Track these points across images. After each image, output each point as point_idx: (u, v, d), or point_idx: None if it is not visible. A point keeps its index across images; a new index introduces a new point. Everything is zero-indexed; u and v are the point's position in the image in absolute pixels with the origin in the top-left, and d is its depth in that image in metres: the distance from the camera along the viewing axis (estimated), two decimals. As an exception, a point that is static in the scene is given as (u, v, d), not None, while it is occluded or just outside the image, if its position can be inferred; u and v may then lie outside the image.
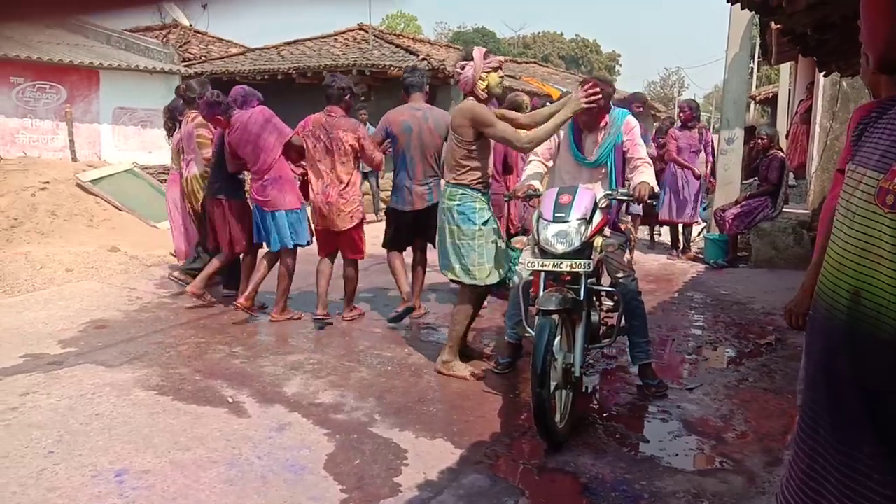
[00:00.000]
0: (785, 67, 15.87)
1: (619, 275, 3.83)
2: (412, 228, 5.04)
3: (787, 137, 12.52)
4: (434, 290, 6.02)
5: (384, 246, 5.20)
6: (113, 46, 13.64)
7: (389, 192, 5.29)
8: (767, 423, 3.60)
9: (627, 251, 4.08)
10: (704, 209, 8.59)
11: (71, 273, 6.61)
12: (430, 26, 72.38)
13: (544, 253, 3.46)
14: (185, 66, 14.26)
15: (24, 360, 4.29)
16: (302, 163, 5.24)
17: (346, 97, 4.96)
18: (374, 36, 14.92)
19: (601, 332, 3.86)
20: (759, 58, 21.57)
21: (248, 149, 5.04)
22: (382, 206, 9.83)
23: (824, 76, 7.05)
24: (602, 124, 3.87)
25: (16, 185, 8.59)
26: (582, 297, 3.36)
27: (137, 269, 6.97)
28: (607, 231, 3.79)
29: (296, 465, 3.05)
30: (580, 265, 3.36)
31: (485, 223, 3.96)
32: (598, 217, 3.53)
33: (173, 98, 6.39)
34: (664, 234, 8.99)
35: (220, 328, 5.06)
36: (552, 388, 3.13)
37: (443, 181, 4.22)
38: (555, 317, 3.16)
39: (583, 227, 3.40)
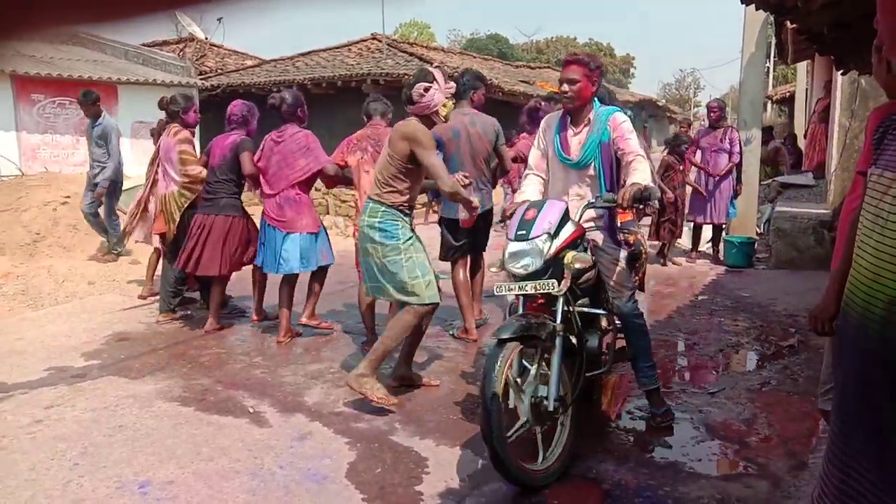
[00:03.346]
0: (802, 66, 15.76)
1: (612, 293, 3.44)
2: (466, 235, 4.93)
3: (805, 137, 12.43)
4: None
5: (441, 258, 5.08)
6: (130, 61, 13.82)
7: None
8: (791, 426, 3.56)
9: (638, 266, 3.78)
10: (733, 208, 8.37)
11: (93, 286, 6.69)
12: (443, 34, 72.62)
13: (514, 275, 3.16)
14: (201, 79, 14.41)
15: (48, 373, 4.34)
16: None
17: (388, 114, 5.05)
18: (388, 45, 14.99)
19: (604, 357, 3.55)
20: (775, 57, 21.45)
21: (272, 162, 4.90)
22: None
23: (842, 74, 6.98)
24: (586, 120, 3.45)
25: (38, 200, 8.71)
26: (558, 321, 3.01)
27: (157, 281, 7.03)
28: (601, 240, 3.44)
29: (318, 474, 3.06)
30: (545, 286, 3.03)
31: (408, 240, 3.75)
32: (567, 230, 3.17)
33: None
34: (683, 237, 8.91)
35: (240, 339, 5.10)
36: (523, 424, 2.92)
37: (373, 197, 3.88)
38: (511, 345, 2.88)
39: (546, 245, 3.07)
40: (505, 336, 2.89)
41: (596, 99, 3.48)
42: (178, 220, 5.36)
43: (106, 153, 7.52)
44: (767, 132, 12.27)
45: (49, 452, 3.24)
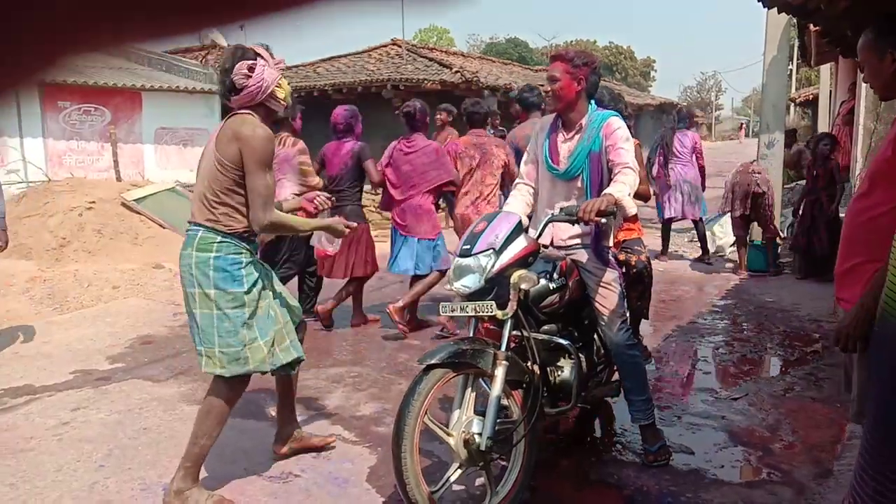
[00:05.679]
0: (825, 68, 15.57)
1: (601, 320, 3.11)
2: None
3: (829, 140, 12.24)
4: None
5: None
6: (154, 68, 14.01)
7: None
8: (816, 432, 3.51)
9: (641, 291, 3.58)
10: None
11: (117, 290, 6.78)
12: (462, 39, 72.74)
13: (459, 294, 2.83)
14: (223, 85, 14.55)
15: (74, 376, 4.41)
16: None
17: (488, 120, 5.25)
18: (408, 50, 15.05)
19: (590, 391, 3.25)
20: (798, 59, 21.21)
21: (401, 171, 5.11)
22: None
23: (867, 76, 6.88)
24: (578, 126, 3.09)
25: (64, 206, 8.85)
26: (502, 347, 2.65)
27: (181, 285, 7.11)
28: (586, 260, 3.08)
29: (339, 477, 3.07)
30: (484, 308, 2.67)
31: (254, 285, 2.79)
32: (517, 245, 2.78)
33: None
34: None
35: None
36: (458, 467, 2.63)
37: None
38: (438, 372, 2.55)
39: (488, 261, 2.72)
40: (431, 361, 2.55)
41: (592, 102, 3.15)
42: None
43: None
44: (791, 135, 12.13)
45: (75, 454, 3.29)
